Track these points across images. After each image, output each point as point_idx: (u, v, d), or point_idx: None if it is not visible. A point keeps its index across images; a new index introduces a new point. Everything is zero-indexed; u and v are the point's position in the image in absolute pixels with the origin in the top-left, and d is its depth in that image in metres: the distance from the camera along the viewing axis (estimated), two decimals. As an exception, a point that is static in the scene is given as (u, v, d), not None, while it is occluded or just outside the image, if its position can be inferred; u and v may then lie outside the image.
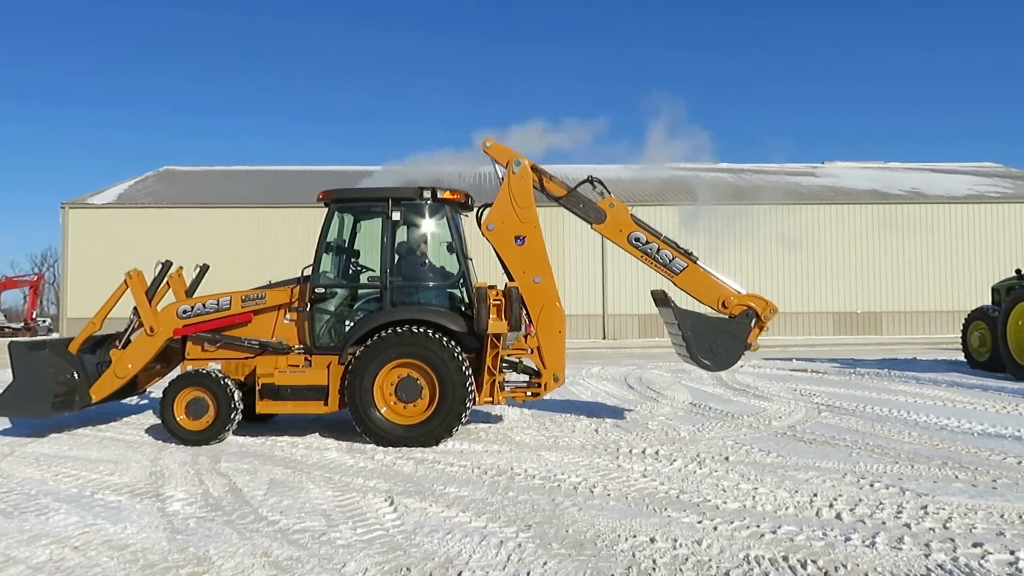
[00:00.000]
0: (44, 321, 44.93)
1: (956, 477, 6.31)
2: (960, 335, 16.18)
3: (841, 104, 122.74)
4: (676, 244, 8.85)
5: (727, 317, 8.71)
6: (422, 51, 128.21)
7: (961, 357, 16.25)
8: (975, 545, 4.59)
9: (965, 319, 16.00)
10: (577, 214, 9.02)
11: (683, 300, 8.95)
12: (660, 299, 9.02)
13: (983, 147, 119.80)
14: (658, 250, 8.78)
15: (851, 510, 5.35)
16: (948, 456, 7.13)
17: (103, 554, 4.66)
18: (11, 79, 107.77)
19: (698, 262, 8.78)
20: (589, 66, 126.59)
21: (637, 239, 8.82)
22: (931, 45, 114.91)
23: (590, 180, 8.93)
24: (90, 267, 31.05)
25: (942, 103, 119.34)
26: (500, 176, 8.90)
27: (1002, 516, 5.19)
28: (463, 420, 7.99)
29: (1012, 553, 4.44)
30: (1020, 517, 5.16)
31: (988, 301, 16.47)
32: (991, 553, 4.45)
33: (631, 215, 8.94)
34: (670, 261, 8.76)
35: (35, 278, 44.37)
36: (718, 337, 8.65)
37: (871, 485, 6.04)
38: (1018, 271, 14.95)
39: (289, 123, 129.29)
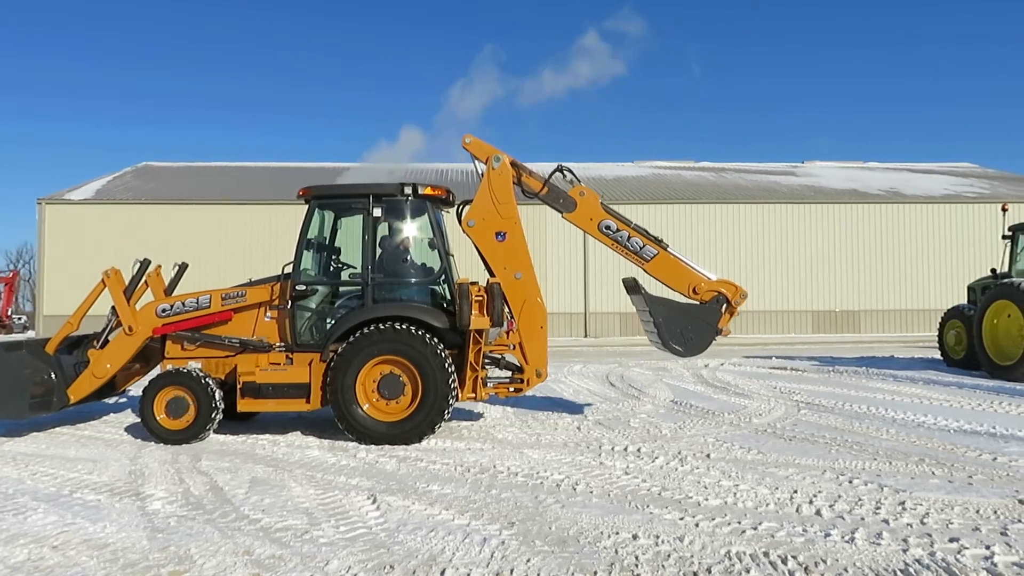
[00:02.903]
0: (19, 319, 44.39)
1: (933, 473, 6.39)
2: (937, 333, 16.39)
3: (821, 103, 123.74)
4: (646, 232, 8.91)
5: (698, 303, 8.77)
6: (408, 44, 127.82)
7: (938, 355, 16.46)
8: (952, 540, 4.65)
9: (941, 318, 16.20)
10: (553, 207, 9.05)
11: (656, 288, 8.98)
12: (631, 286, 9.09)
13: (960, 147, 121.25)
14: (628, 238, 8.83)
15: (830, 506, 5.40)
16: (925, 453, 7.21)
17: (83, 554, 4.62)
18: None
19: (668, 249, 8.84)
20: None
21: (607, 227, 8.87)
22: (910, 44, 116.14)
23: (559, 169, 8.98)
24: (67, 264, 30.67)
25: (920, 103, 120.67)
26: (479, 172, 8.92)
27: (978, 512, 5.26)
28: (446, 416, 7.98)
29: (988, 548, 4.51)
30: (995, 512, 5.23)
31: (964, 300, 16.69)
32: (967, 548, 4.51)
33: (601, 203, 8.98)
34: (640, 248, 8.81)
35: (10, 275, 43.86)
36: (689, 323, 8.71)
37: (850, 481, 6.11)
38: (993, 270, 15.15)
39: (270, 118, 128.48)
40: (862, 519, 5.11)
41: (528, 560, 4.41)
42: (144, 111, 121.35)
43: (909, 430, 8.42)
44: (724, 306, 8.70)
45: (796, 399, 10.95)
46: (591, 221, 8.90)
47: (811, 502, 5.52)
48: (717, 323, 8.69)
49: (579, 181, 9.04)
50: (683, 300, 8.86)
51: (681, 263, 8.84)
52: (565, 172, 9.00)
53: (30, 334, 36.22)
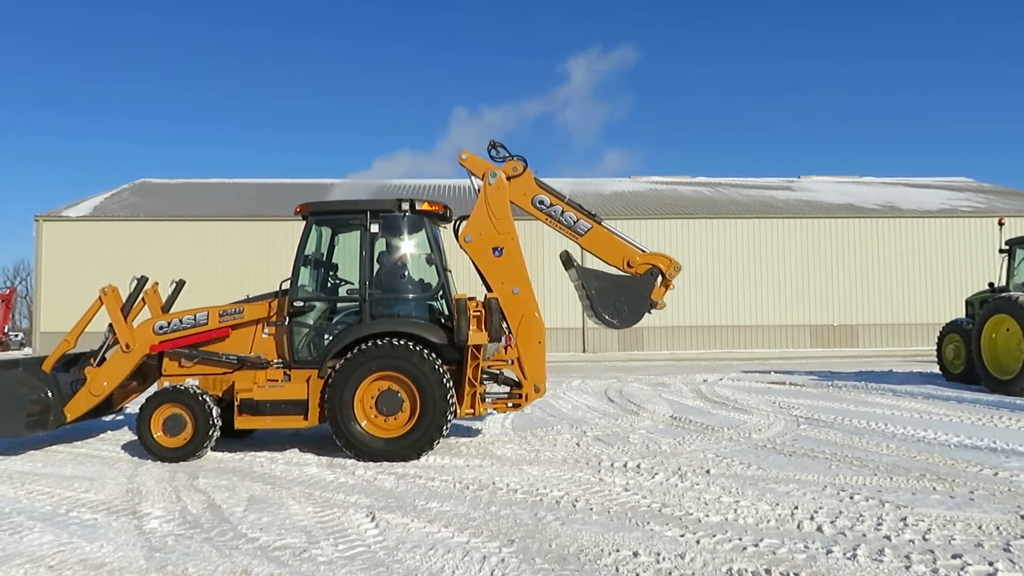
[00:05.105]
0: (16, 335, 44.19)
1: (934, 489, 6.37)
2: (935, 348, 16.39)
3: (817, 118, 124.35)
4: (580, 206, 8.93)
5: (632, 275, 8.78)
6: (406, 61, 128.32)
7: (936, 369, 16.45)
8: (954, 557, 4.62)
9: (940, 332, 16.19)
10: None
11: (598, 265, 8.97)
12: (565, 261, 9.09)
13: (956, 162, 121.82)
14: (562, 212, 8.84)
15: (832, 522, 5.38)
16: (926, 468, 7.19)
17: (79, 573, 4.58)
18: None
19: (602, 223, 8.86)
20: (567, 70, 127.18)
21: (541, 202, 8.88)
22: (906, 59, 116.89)
23: (492, 145, 8.98)
24: (64, 281, 30.64)
25: (916, 118, 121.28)
26: (476, 188, 8.94)
27: (980, 527, 5.24)
28: (444, 432, 7.95)
29: (991, 564, 4.49)
30: (998, 528, 5.21)
31: (962, 314, 16.70)
32: (970, 564, 4.49)
33: (535, 178, 8.99)
34: (574, 223, 8.82)
35: (7, 292, 43.70)
36: (622, 294, 8.69)
37: (851, 497, 6.08)
38: (991, 284, 15.17)
39: (268, 135, 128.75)
40: (864, 535, 5.08)
41: (528, 578, 4.37)
42: (142, 127, 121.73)
43: (909, 445, 8.40)
44: (659, 278, 8.71)
45: (795, 414, 10.93)
46: (524, 196, 8.91)
47: (812, 518, 5.49)
48: (650, 294, 8.68)
49: (512, 156, 9.02)
50: (617, 272, 8.87)
51: (615, 236, 8.87)
52: (497, 147, 9.01)
53: (27, 351, 36.13)
